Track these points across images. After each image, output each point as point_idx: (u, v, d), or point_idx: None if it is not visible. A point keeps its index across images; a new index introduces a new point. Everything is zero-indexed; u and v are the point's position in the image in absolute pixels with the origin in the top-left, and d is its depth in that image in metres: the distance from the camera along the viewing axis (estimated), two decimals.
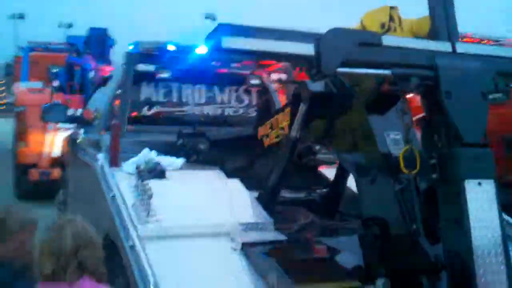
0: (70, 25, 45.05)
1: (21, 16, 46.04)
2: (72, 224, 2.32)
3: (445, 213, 2.59)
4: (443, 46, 2.67)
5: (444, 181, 2.58)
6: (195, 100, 5.75)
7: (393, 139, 3.04)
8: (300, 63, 2.58)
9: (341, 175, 4.04)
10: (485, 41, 8.71)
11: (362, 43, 2.46)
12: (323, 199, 4.21)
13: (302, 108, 3.55)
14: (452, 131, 2.54)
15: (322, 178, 4.56)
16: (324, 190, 4.30)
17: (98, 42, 10.50)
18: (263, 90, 5.90)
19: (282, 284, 2.80)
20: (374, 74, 2.61)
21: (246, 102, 5.93)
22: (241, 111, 5.92)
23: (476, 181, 2.52)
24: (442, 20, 2.73)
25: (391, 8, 3.10)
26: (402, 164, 2.79)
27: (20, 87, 10.67)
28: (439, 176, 2.59)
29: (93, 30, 10.65)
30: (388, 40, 2.58)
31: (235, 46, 2.33)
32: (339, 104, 3.39)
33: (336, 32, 2.44)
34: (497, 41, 8.55)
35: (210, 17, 46.43)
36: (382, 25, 3.00)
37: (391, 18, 3.00)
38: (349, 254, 3.18)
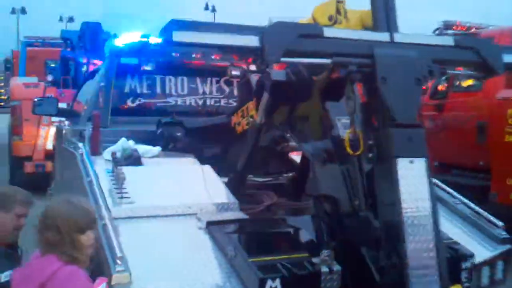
0: (71, 19, 45.26)
1: (23, 11, 46.23)
2: (47, 206, 2.60)
3: (380, 189, 2.85)
4: (382, 37, 2.91)
5: (379, 160, 2.84)
6: (178, 91, 6.01)
7: (343, 124, 3.29)
8: (246, 54, 2.82)
9: (306, 160, 4.29)
10: (473, 29, 8.94)
11: (302, 34, 2.71)
12: (290, 182, 4.47)
13: (265, 96, 3.81)
14: (387, 113, 2.78)
15: (294, 163, 4.82)
16: (291, 174, 4.56)
17: (91, 36, 10.73)
18: (244, 81, 6.15)
19: (238, 257, 3.06)
20: (315, 63, 2.86)
21: (227, 92, 6.20)
22: (222, 101, 6.18)
23: (408, 159, 2.76)
24: (382, 12, 2.97)
25: (338, 1, 3.35)
26: (347, 146, 3.04)
27: (16, 81, 10.94)
28: (376, 155, 2.85)
29: (86, 24, 10.88)
30: (329, 31, 2.82)
31: (184, 39, 2.59)
32: (299, 93, 3.64)
33: (278, 25, 2.70)
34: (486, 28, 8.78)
35: (210, 8, 46.62)
36: (330, 18, 3.24)
37: (338, 11, 3.23)
38: (304, 230, 3.44)
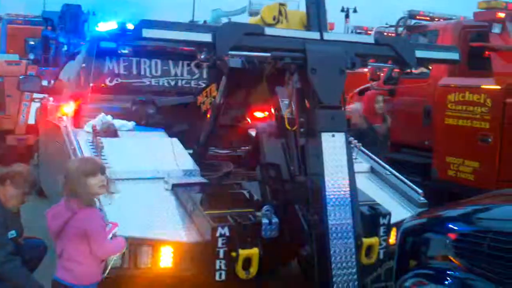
0: None
1: None
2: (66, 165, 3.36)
3: (309, 157, 3.57)
4: (313, 35, 3.61)
5: (308, 134, 3.55)
6: (152, 73, 6.65)
7: (285, 104, 4.00)
8: (202, 48, 3.48)
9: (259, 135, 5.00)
10: (436, 19, 9.62)
11: (247, 33, 3.40)
12: (246, 154, 5.19)
13: (223, 80, 4.49)
14: (315, 97, 3.49)
15: (251, 138, 5.53)
16: (248, 147, 5.27)
17: (72, 17, 11.18)
18: (212, 64, 6.80)
19: (196, 211, 3.78)
20: (258, 56, 3.55)
21: (197, 74, 6.85)
22: (192, 82, 6.84)
23: (331, 133, 3.47)
24: (314, 15, 3.65)
25: (281, 4, 4.03)
26: (286, 122, 3.75)
27: None
28: (306, 130, 3.56)
29: (66, 6, 11.33)
30: (269, 30, 3.51)
31: (152, 35, 3.25)
32: (252, 78, 4.33)
33: (228, 25, 3.38)
34: (450, 18, 9.44)
35: None
36: (274, 18, 3.92)
37: (280, 12, 3.92)
38: (253, 192, 4.17)
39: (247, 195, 4.11)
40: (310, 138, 3.55)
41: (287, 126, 3.75)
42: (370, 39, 3.83)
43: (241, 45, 3.39)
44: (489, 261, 1.63)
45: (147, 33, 3.22)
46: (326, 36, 3.64)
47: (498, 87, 6.61)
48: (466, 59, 7.18)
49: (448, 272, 1.97)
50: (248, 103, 4.58)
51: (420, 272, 2.08)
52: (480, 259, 1.67)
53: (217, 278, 3.54)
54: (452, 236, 1.85)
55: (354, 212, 3.51)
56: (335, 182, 3.46)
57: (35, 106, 9.38)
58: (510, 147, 6.43)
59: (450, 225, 2.15)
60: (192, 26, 3.38)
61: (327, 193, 3.42)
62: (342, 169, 3.50)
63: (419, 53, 3.93)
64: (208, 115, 4.83)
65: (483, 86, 6.80)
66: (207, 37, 3.31)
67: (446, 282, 1.92)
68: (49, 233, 3.35)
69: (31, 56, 11.96)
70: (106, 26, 5.99)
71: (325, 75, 3.50)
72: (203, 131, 4.88)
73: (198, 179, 4.35)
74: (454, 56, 4.17)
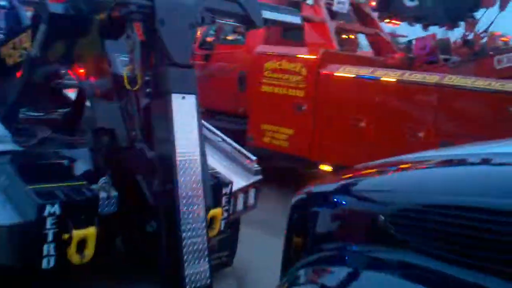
0: None
1: None
2: None
3: (156, 121, 3.16)
4: None
5: (155, 95, 3.14)
6: None
7: (121, 61, 3.49)
8: None
9: (81, 96, 4.39)
10: None
11: None
12: (64, 118, 4.52)
13: (42, 27, 3.76)
14: (163, 53, 3.07)
15: (68, 100, 4.84)
16: (66, 110, 4.60)
17: None
18: (11, 9, 5.81)
19: (14, 185, 3.10)
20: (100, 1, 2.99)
21: None
22: None
23: (181, 95, 3.11)
24: None
25: None
26: (126, 82, 3.26)
27: None
28: (152, 90, 3.13)
29: None
30: None
31: None
32: (77, 28, 3.69)
33: None
34: None
35: None
36: None
37: None
38: (82, 162, 3.60)
39: (76, 166, 3.52)
40: (157, 99, 3.13)
41: (127, 85, 3.26)
42: None
43: None
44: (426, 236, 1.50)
45: None
46: None
47: (313, 57, 6.86)
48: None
49: (353, 250, 1.78)
50: (71, 58, 3.92)
51: (321, 257, 1.84)
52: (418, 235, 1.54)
53: (44, 265, 2.96)
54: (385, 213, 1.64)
55: (205, 180, 3.22)
56: (185, 148, 3.11)
57: None
58: (322, 115, 6.74)
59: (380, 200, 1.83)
60: None
61: (177, 161, 3.06)
62: (193, 134, 3.16)
63: (266, 14, 3.75)
64: (18, 71, 4.04)
65: (298, 56, 6.99)
66: None
67: (355, 262, 1.74)
68: None
69: None
70: None
71: (175, 28, 3.11)
72: (10, 90, 4.07)
73: (10, 146, 3.61)
74: (297, 20, 4.09)
